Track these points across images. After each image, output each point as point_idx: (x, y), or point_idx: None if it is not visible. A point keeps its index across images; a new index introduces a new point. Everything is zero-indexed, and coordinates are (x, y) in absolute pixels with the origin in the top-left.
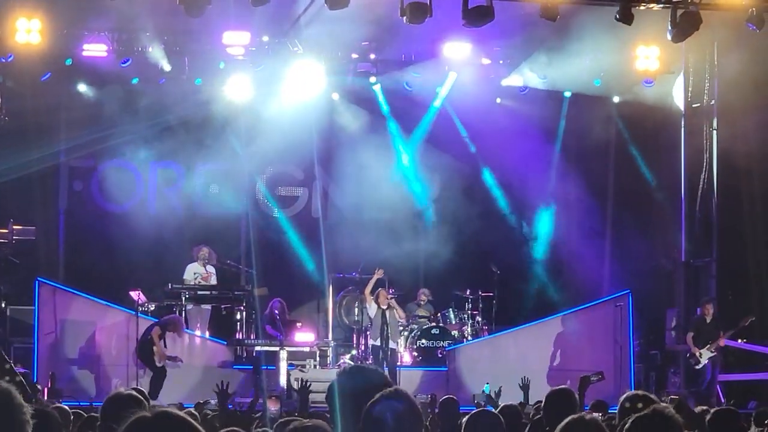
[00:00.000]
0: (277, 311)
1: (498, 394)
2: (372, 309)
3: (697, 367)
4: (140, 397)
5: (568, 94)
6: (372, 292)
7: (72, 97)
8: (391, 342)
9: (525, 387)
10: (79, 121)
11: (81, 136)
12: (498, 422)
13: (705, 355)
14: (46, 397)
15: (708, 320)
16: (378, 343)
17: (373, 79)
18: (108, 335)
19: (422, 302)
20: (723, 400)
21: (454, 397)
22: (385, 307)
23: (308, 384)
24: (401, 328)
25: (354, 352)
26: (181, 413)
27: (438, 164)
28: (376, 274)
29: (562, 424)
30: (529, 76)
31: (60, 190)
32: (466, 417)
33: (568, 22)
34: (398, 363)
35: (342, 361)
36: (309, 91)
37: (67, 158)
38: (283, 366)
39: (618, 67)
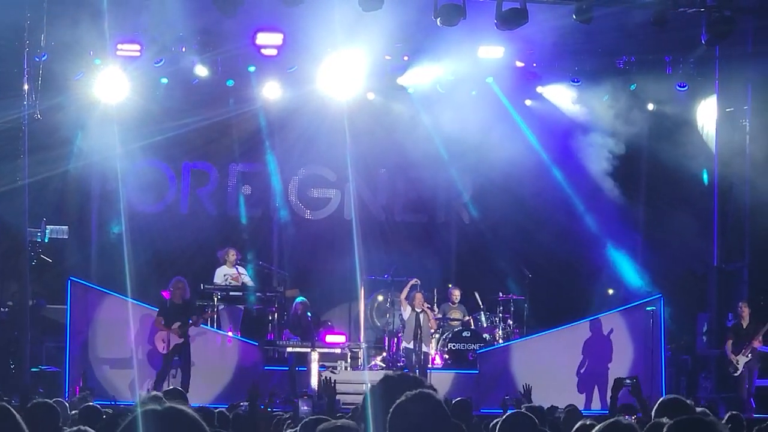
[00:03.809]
0: (299, 312)
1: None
2: (406, 312)
3: (735, 374)
4: (165, 400)
5: (605, 98)
6: (407, 297)
7: (105, 97)
8: (423, 345)
9: (527, 392)
10: (111, 120)
11: (114, 135)
12: (533, 424)
13: (742, 362)
14: (78, 396)
15: (744, 325)
16: (411, 345)
17: (405, 81)
18: (140, 335)
19: (455, 302)
20: (754, 406)
21: (467, 399)
22: (419, 310)
23: (333, 383)
24: (432, 330)
25: (385, 354)
26: (189, 410)
27: (471, 165)
28: (411, 282)
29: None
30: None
31: (92, 189)
32: (501, 419)
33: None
34: (430, 366)
35: (373, 363)
36: (342, 92)
37: (101, 158)
38: (315, 367)
39: (652, 70)
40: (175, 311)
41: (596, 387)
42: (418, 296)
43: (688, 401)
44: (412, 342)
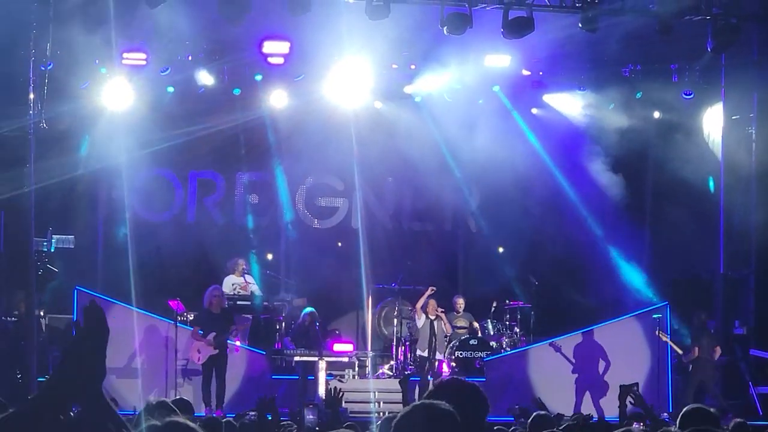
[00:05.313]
0: (307, 322)
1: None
2: (420, 320)
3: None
4: (172, 406)
5: (611, 106)
6: (422, 307)
7: (111, 106)
8: (437, 353)
9: (541, 405)
10: (117, 129)
11: (120, 144)
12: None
13: None
14: None
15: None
16: (425, 354)
17: (412, 89)
18: (147, 344)
19: (459, 310)
20: (761, 413)
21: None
22: (433, 317)
23: (340, 393)
24: (447, 335)
25: (392, 362)
26: (190, 423)
27: (477, 173)
28: (428, 291)
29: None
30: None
31: (99, 198)
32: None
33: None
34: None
35: (381, 371)
36: (349, 100)
37: (107, 166)
38: (322, 376)
39: (658, 79)
40: (213, 321)
41: (608, 394)
42: (432, 303)
43: (711, 410)
44: (427, 351)
